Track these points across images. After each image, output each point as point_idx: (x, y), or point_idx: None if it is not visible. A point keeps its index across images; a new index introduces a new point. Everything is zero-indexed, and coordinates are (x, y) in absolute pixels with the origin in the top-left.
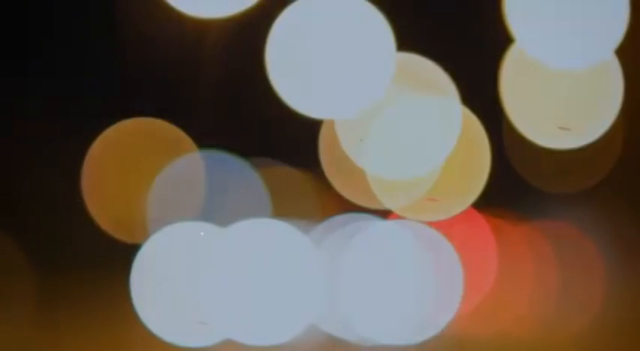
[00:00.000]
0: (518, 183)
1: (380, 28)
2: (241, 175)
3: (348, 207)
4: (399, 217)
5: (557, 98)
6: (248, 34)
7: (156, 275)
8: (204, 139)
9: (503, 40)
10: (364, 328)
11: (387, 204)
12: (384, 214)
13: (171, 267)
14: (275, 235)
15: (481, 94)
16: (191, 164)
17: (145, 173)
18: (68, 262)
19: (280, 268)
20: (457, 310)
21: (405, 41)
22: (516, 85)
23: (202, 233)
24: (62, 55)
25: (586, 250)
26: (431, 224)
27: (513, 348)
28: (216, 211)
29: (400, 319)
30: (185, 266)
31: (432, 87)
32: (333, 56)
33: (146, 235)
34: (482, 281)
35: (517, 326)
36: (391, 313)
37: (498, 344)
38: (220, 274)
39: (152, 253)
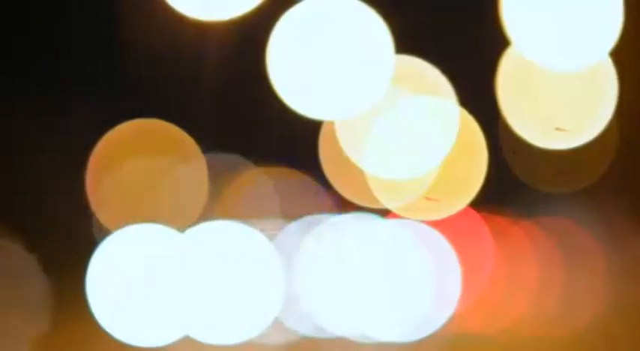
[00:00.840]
0: (515, 183)
1: (379, 31)
2: (241, 175)
3: (347, 206)
4: (397, 216)
5: (553, 99)
6: (249, 37)
7: (112, 275)
8: (205, 141)
9: (500, 42)
10: (363, 326)
11: (386, 203)
12: (383, 213)
13: (128, 267)
14: (234, 237)
15: (478, 96)
16: (193, 165)
17: (149, 174)
18: (70, 262)
19: (239, 268)
20: (455, 308)
21: (404, 44)
22: (513, 87)
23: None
24: (65, 57)
25: (583, 248)
26: (429, 223)
27: (510, 345)
28: (216, 211)
29: (399, 316)
30: (142, 267)
31: (430, 88)
32: (333, 59)
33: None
34: (480, 280)
35: (515, 324)
36: (390, 310)
37: (495, 341)
38: (178, 275)
39: (108, 253)
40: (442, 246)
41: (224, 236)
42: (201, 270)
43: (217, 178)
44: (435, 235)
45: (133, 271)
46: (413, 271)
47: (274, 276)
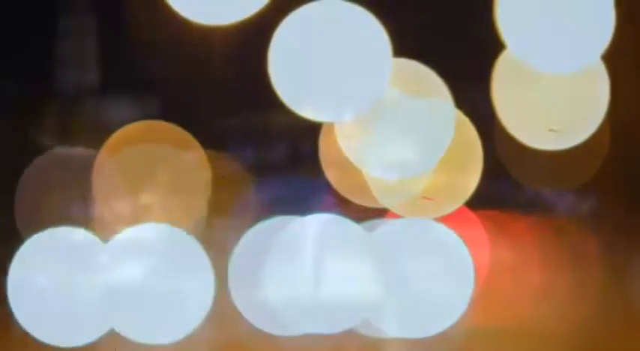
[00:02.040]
0: (510, 182)
1: (377, 34)
2: (241, 176)
3: (347, 205)
4: (396, 215)
5: (546, 101)
6: (250, 40)
7: (34, 276)
8: (207, 142)
9: (495, 45)
10: (376, 322)
11: (385, 203)
12: (382, 212)
13: (49, 268)
14: (161, 239)
15: (474, 98)
16: (194, 165)
17: (152, 175)
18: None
19: (167, 269)
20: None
21: (401, 47)
22: (508, 89)
23: None
24: (67, 58)
25: (577, 246)
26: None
27: (509, 343)
28: (217, 212)
29: (409, 312)
30: (63, 267)
31: (427, 90)
32: (333, 61)
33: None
34: (476, 278)
35: (514, 322)
36: (400, 306)
37: (493, 339)
38: (102, 276)
39: (30, 254)
40: (451, 241)
41: (150, 239)
42: (125, 272)
43: (216, 179)
44: (444, 229)
45: (55, 272)
46: (421, 267)
47: (202, 276)
